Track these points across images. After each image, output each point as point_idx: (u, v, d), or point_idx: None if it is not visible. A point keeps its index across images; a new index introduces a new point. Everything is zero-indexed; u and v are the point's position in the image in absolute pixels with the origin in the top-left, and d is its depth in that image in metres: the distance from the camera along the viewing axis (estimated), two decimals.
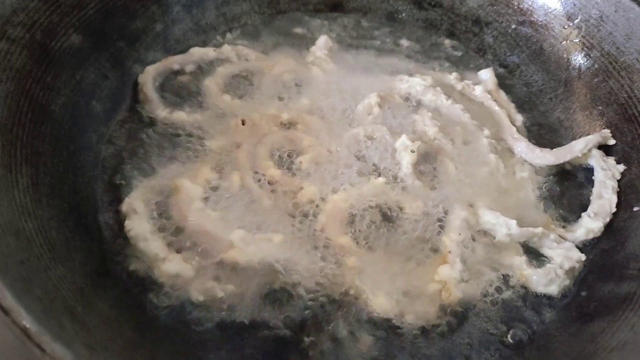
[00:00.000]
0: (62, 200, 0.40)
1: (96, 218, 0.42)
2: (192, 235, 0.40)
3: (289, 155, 0.48)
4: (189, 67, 0.56)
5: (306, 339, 0.38)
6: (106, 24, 0.52)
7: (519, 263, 0.43)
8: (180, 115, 0.49)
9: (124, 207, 0.42)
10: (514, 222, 0.44)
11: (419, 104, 0.55)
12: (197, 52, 0.57)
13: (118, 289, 0.38)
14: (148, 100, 0.51)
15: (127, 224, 0.41)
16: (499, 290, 0.42)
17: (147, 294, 0.38)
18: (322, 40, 0.60)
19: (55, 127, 0.43)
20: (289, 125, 0.50)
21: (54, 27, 0.46)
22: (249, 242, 0.40)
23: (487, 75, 0.59)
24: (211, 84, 0.53)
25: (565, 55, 0.58)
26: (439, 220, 0.46)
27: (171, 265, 0.39)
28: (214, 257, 0.39)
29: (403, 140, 0.49)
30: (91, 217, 0.42)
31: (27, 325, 0.26)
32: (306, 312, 0.39)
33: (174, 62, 0.56)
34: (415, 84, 0.56)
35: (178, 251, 0.40)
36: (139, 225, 0.41)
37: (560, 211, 0.49)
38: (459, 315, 0.40)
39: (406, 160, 0.48)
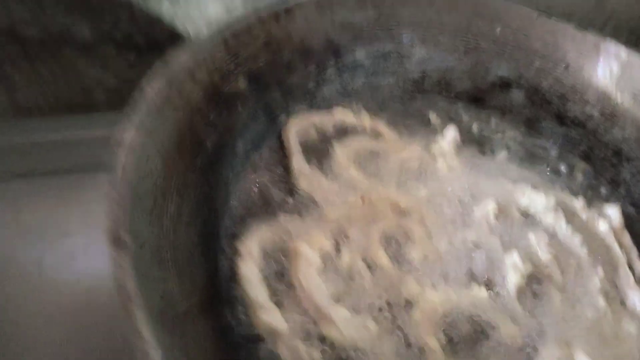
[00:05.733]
0: (195, 232, 0.44)
1: (216, 252, 0.46)
2: (298, 296, 0.43)
3: (398, 244, 0.49)
4: (327, 127, 0.60)
5: None
6: (270, 75, 0.57)
7: None
8: (308, 178, 0.53)
9: (241, 246, 0.46)
10: None
11: (536, 223, 0.55)
12: (338, 113, 0.61)
13: (221, 320, 0.42)
14: (290, 150, 0.55)
15: (240, 264, 0.45)
16: None
17: (241, 332, 0.42)
18: (451, 132, 0.61)
19: (204, 161, 0.49)
20: (405, 213, 0.52)
21: (229, 74, 0.53)
22: (349, 326, 0.42)
23: (613, 211, 0.57)
24: (342, 153, 0.56)
25: None
26: (532, 348, 0.45)
27: (268, 316, 0.42)
28: (314, 325, 0.42)
29: (514, 259, 0.49)
30: (212, 251, 0.46)
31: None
32: None
33: (316, 118, 0.60)
34: (537, 201, 0.56)
35: (278, 304, 0.43)
36: (250, 268, 0.45)
37: None
38: None
39: (513, 282, 0.48)
